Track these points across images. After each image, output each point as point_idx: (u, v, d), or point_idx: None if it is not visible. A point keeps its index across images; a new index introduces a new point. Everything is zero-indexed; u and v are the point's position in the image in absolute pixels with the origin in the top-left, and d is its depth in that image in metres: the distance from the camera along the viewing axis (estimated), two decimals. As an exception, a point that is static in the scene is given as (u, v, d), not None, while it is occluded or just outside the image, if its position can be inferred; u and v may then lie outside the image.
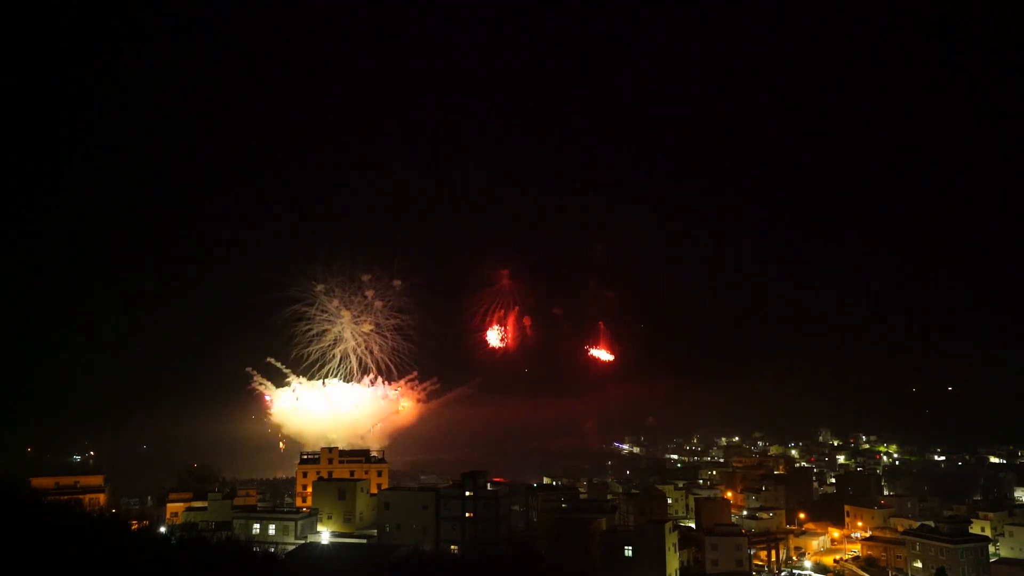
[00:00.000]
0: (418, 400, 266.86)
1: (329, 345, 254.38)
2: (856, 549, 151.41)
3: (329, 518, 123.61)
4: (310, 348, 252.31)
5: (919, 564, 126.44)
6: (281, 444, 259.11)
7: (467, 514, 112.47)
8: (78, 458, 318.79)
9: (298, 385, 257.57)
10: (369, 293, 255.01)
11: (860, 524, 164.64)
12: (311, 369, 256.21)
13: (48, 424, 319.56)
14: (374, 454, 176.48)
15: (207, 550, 77.65)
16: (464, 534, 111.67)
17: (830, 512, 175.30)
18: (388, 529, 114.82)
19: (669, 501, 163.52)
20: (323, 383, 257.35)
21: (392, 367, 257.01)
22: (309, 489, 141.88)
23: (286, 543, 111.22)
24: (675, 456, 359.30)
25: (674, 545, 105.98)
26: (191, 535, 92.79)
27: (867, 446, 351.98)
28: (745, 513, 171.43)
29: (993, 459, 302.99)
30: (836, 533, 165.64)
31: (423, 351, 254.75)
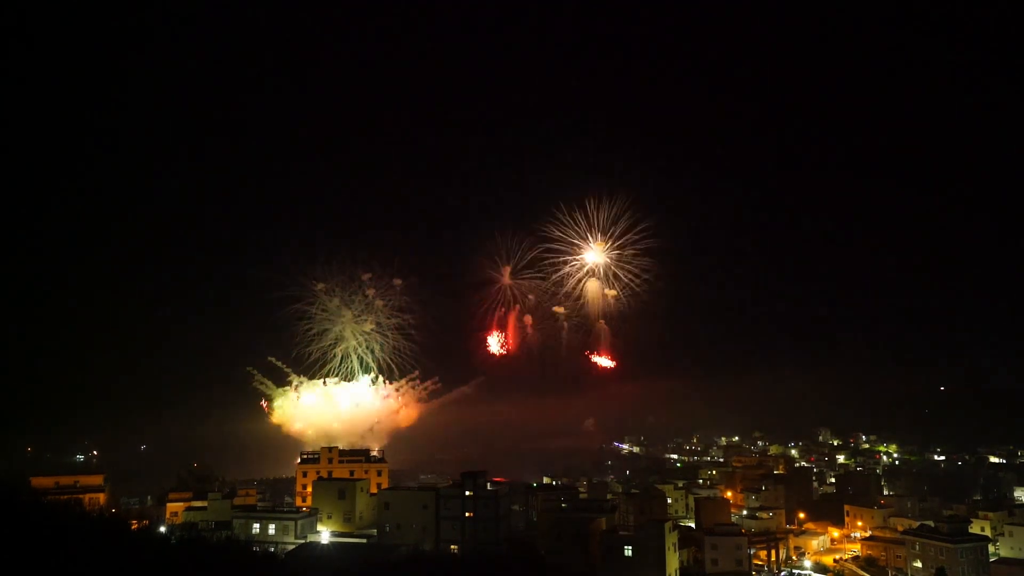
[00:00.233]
0: (419, 399, 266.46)
1: (330, 344, 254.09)
2: (856, 549, 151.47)
3: (329, 518, 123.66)
4: (311, 347, 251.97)
5: (919, 564, 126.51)
6: (281, 430, 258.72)
7: (467, 514, 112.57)
8: (81, 458, 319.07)
9: (299, 384, 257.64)
10: (370, 292, 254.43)
11: (860, 524, 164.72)
12: (312, 369, 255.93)
13: (48, 424, 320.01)
14: (374, 454, 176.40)
15: (207, 550, 77.78)
16: (464, 534, 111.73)
17: (830, 512, 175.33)
18: (388, 529, 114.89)
19: (669, 501, 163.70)
20: (324, 383, 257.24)
21: (393, 366, 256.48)
22: (309, 489, 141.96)
23: (286, 543, 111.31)
24: (675, 456, 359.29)
25: (674, 545, 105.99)
26: (191, 535, 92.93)
27: (867, 446, 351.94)
28: (745, 513, 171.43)
29: (993, 459, 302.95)
30: (836, 533, 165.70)
31: (424, 350, 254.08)
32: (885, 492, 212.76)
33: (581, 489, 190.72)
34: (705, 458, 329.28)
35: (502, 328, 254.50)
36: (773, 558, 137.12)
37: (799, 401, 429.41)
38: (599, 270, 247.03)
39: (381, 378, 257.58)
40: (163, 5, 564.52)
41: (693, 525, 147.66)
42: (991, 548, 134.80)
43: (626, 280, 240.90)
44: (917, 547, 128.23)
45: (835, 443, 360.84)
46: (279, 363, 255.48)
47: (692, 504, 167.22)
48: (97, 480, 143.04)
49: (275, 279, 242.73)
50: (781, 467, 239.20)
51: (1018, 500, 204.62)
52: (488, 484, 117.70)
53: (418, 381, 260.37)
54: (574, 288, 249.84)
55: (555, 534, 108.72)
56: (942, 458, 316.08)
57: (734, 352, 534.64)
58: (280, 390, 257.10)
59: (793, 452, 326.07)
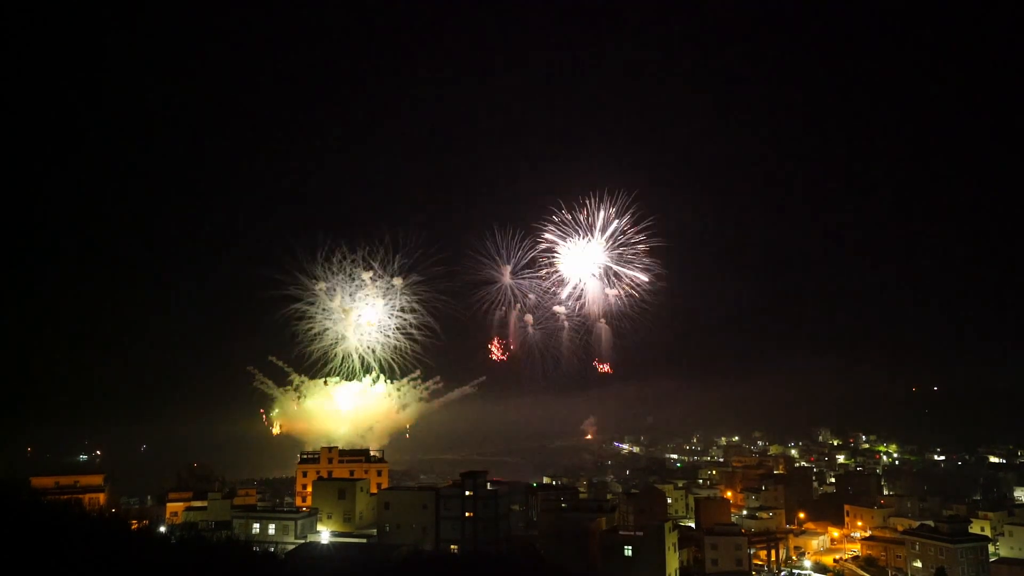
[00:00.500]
0: (419, 399, 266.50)
1: (331, 344, 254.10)
2: (856, 549, 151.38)
3: (329, 518, 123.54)
4: (311, 347, 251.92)
5: (919, 564, 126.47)
6: (278, 428, 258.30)
7: (467, 514, 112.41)
8: (84, 457, 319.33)
9: (300, 384, 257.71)
10: (371, 291, 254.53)
11: (860, 524, 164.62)
12: (312, 368, 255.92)
13: (48, 424, 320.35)
14: (374, 453, 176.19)
15: (207, 550, 77.64)
16: (464, 534, 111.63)
17: (830, 512, 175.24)
18: (388, 529, 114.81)
19: (669, 501, 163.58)
20: (324, 382, 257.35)
21: (394, 366, 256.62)
22: (309, 489, 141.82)
23: (286, 543, 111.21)
24: (675, 456, 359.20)
25: (674, 545, 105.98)
26: (191, 535, 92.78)
27: (867, 446, 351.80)
28: (745, 513, 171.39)
29: (993, 459, 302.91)
30: (836, 533, 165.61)
31: (425, 350, 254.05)
32: (885, 492, 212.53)
33: (581, 489, 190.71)
34: (705, 458, 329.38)
35: (503, 328, 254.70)
36: (773, 558, 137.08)
37: (799, 401, 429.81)
38: (600, 270, 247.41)
39: (382, 377, 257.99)
40: (164, 4, 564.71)
41: (693, 525, 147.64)
42: (991, 548, 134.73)
43: (627, 280, 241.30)
44: (917, 547, 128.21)
45: (835, 443, 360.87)
46: (280, 363, 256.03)
47: (692, 504, 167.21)
48: (97, 480, 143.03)
49: (275, 278, 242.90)
50: (781, 467, 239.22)
51: (1018, 500, 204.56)
52: (488, 484, 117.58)
53: (419, 380, 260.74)
54: (574, 288, 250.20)
55: (555, 534, 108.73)
56: (942, 458, 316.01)
57: (734, 352, 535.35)
58: (281, 390, 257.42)
59: (793, 452, 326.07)
